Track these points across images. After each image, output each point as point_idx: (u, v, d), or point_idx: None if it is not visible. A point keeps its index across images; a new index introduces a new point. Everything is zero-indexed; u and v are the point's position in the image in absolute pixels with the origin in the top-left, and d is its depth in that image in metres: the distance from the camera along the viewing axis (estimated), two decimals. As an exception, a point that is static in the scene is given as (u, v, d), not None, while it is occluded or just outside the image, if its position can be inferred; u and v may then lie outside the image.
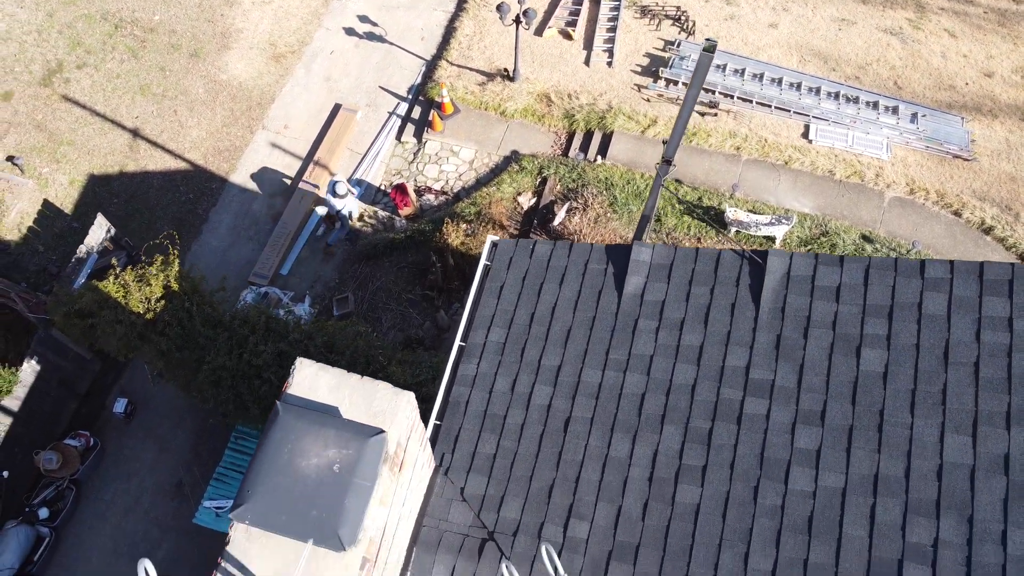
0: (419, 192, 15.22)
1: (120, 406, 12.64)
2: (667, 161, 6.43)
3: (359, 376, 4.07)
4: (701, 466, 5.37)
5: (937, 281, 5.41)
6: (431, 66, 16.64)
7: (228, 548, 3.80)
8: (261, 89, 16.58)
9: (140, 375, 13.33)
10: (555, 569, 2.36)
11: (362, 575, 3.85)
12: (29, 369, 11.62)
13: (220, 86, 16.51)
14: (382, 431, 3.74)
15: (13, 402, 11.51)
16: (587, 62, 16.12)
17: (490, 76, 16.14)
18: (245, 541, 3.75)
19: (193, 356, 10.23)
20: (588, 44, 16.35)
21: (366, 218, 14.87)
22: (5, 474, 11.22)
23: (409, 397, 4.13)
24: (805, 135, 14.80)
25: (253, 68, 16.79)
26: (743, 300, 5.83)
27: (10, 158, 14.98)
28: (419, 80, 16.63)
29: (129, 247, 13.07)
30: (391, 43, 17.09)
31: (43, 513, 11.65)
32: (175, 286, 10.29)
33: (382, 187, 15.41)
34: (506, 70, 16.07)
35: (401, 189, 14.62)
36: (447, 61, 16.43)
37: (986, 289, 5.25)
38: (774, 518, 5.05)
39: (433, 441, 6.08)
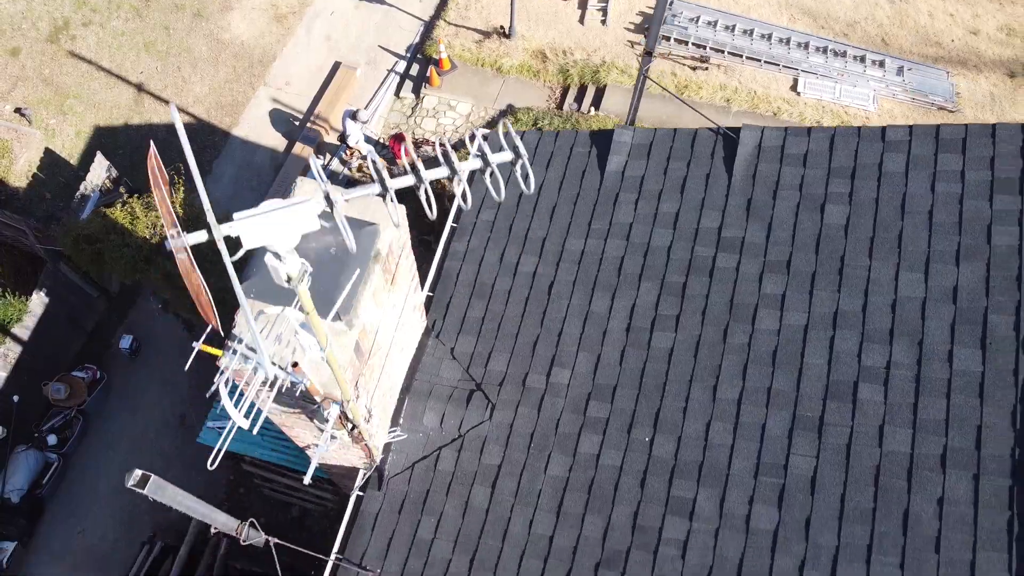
0: (417, 144, 15.58)
1: (126, 342, 13.01)
2: (648, 53, 6.80)
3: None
4: (675, 315, 5.74)
5: (897, 143, 5.78)
6: (429, 26, 17.02)
7: (234, 331, 4.16)
8: (263, 48, 16.95)
9: (144, 315, 13.71)
10: (514, 148, 2.58)
11: (355, 360, 4.22)
12: (37, 301, 12.00)
13: (223, 45, 16.89)
14: (375, 224, 4.11)
15: (23, 331, 11.88)
16: (582, 20, 16.49)
17: (487, 34, 16.51)
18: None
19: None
20: (583, 3, 16.72)
21: (364, 168, 15.24)
22: (15, 399, 11.58)
23: (401, 209, 4.50)
24: (794, 88, 15.16)
25: (255, 28, 17.16)
26: (717, 171, 6.20)
27: (18, 110, 15.36)
28: (417, 40, 17.00)
29: (128, 187, 13.44)
30: (390, 4, 17.46)
31: (51, 440, 12.01)
32: (180, 212, 10.66)
33: (380, 140, 15.78)
34: (502, 27, 16.45)
35: (399, 138, 14.99)
36: (445, 21, 16.81)
37: (941, 147, 5.62)
38: (741, 354, 5.43)
39: (426, 309, 6.45)
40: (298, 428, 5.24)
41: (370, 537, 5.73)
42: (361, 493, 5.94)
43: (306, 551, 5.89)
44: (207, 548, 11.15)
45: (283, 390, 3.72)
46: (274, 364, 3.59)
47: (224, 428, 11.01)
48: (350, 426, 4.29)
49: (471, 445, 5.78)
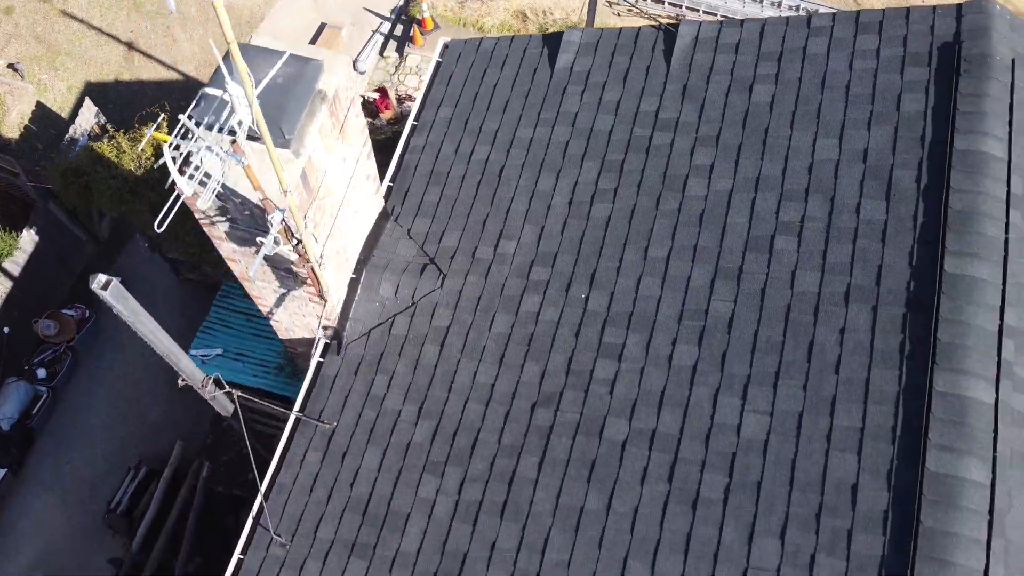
0: (400, 100, 15.99)
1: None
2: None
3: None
4: (613, 188, 6.15)
5: (821, 28, 6.18)
6: (413, -12, 17.41)
7: (194, 162, 4.56)
8: (251, 9, 17.36)
9: (133, 260, 14.12)
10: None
11: (302, 189, 4.62)
12: (28, 238, 12.40)
13: (211, 5, 17.28)
14: (320, 61, 4.51)
15: (13, 267, 12.28)
16: (561, -19, 16.88)
17: (469, -5, 16.92)
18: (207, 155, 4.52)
19: (181, 209, 10.99)
20: (562, -35, 17.11)
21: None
22: (5, 330, 11.98)
23: (347, 58, 4.90)
24: (766, 44, 15.56)
25: (244, -10, 17.56)
26: (657, 61, 6.60)
27: (11, 65, 15.76)
28: (402, 1, 17.40)
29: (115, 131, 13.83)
30: (376, -32, 17.85)
31: (41, 373, 12.42)
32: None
33: (364, 96, 16.18)
34: (484, -12, 16.84)
35: (382, 92, 15.40)
36: (429, -17, 17.21)
37: (860, 29, 6.03)
38: (671, 218, 5.83)
39: (386, 198, 6.86)
40: (258, 279, 5.64)
41: (328, 396, 6.15)
42: (321, 360, 6.35)
43: (270, 405, 6.30)
44: (190, 472, 11.56)
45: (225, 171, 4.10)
46: (213, 149, 3.98)
47: (207, 356, 11.43)
48: (295, 240, 4.68)
49: (423, 311, 6.19)
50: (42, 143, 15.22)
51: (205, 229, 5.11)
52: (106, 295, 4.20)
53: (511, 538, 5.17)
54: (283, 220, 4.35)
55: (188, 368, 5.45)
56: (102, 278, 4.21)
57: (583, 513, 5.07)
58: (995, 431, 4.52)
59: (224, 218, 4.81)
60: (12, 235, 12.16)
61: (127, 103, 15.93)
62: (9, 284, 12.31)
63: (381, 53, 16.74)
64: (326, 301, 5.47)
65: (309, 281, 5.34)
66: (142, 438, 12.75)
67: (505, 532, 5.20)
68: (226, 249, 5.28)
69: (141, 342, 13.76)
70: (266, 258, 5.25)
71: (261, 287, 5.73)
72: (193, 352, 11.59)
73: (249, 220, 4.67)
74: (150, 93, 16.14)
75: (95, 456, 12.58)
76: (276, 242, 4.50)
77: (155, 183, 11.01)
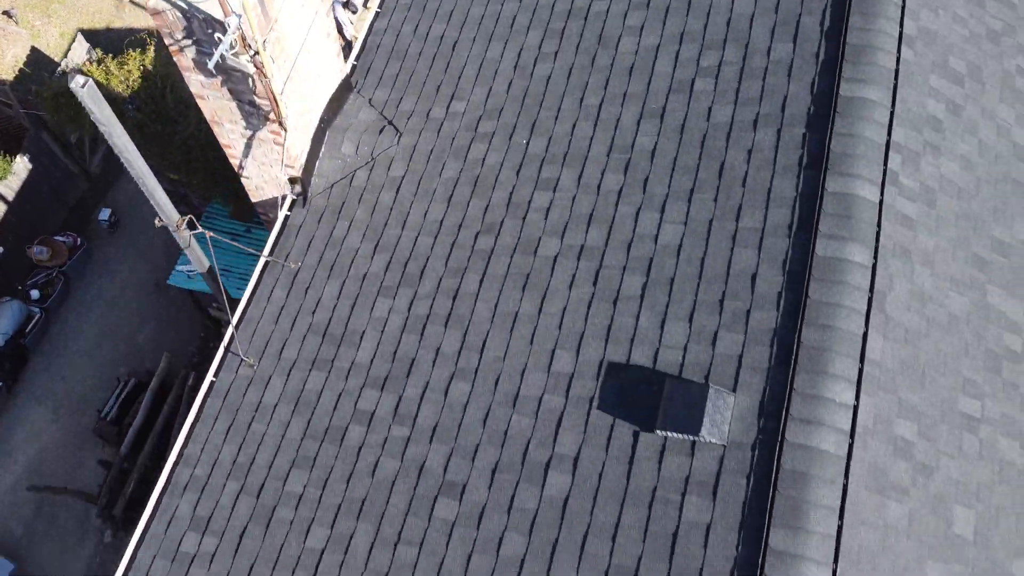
0: (382, 46, 16.54)
1: (104, 215, 13.95)
2: None
3: None
4: (554, 51, 6.70)
5: (745, -95, 6.72)
6: (396, -58, 17.96)
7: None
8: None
9: (124, 196, 14.66)
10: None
11: (259, 10, 5.17)
12: (21, 164, 12.93)
13: (200, -41, 17.80)
14: None
15: (8, 192, 12.81)
16: (539, -66, 17.43)
17: (450, -52, 17.46)
18: (173, -23, 5.07)
19: (166, 129, 11.55)
20: (541, -82, 17.66)
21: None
22: (0, 250, 12.52)
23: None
24: None
25: (231, -56, 18.07)
26: (599, -57, 7.15)
27: (5, 12, 16.27)
28: (385, -45, 17.93)
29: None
30: (360, -77, 18.37)
31: (34, 294, 12.96)
32: (152, 70, 11.62)
33: (351, 41, 16.73)
34: (464, -60, 17.39)
35: (364, 36, 15.95)
36: (411, -63, 17.76)
37: (780, -97, 6.58)
38: (605, 72, 6.39)
39: (351, 75, 7.41)
40: (226, 121, 6.19)
41: (294, 241, 6.71)
42: (288, 213, 6.90)
43: (241, 248, 6.86)
44: (176, 381, 12.11)
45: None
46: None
47: (192, 271, 11.97)
48: (252, 51, 5.21)
49: (381, 164, 6.75)
50: (35, 85, 15.73)
51: (175, 58, 5.63)
52: (82, 93, 4.72)
53: (454, 342, 5.73)
54: (239, 27, 4.90)
55: (162, 201, 5.98)
56: (80, 78, 4.72)
57: (517, 317, 5.63)
58: (879, 224, 5.09)
59: (190, 41, 5.34)
60: (7, 159, 12.69)
61: (118, 49, 16.44)
62: (3, 208, 12.84)
63: (365, 5, 17.29)
64: (286, 130, 6.01)
65: (271, 116, 5.88)
66: (132, 357, 13.29)
67: (449, 338, 5.76)
68: (195, 84, 5.82)
69: (130, 272, 14.32)
70: (231, 90, 5.79)
71: (229, 130, 6.26)
72: (179, 268, 12.17)
73: (214, 43, 5.20)
74: (141, 39, 16.65)
75: (86, 373, 13.13)
76: (232, 46, 5.03)
77: (141, 103, 11.56)
